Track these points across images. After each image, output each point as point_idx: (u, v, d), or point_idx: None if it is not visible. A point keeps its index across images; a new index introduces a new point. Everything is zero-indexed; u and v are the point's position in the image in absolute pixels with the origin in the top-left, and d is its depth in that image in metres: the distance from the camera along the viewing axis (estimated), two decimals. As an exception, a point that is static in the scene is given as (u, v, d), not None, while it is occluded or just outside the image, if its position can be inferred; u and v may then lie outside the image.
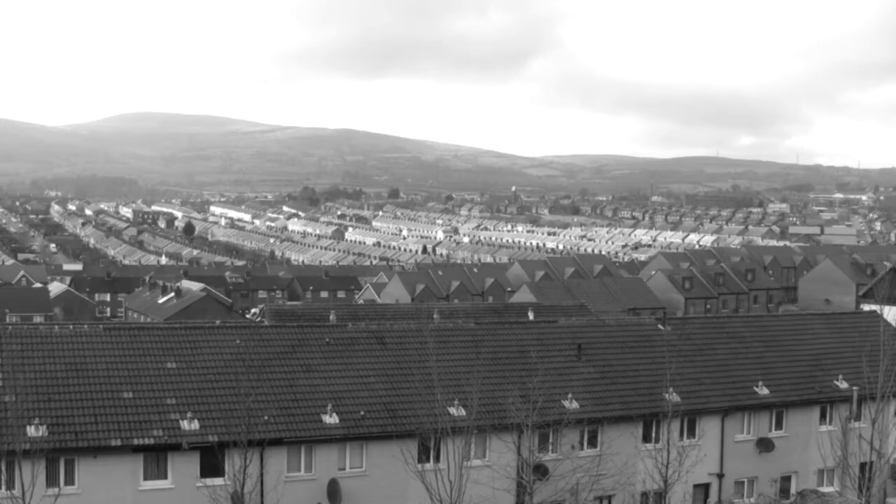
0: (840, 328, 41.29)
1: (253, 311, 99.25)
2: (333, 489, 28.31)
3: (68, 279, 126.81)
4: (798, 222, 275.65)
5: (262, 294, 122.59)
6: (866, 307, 53.21)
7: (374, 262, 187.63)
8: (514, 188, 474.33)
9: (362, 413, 29.22)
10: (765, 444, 34.75)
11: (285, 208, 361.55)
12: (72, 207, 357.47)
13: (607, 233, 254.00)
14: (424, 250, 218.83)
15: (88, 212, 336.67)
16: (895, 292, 44.89)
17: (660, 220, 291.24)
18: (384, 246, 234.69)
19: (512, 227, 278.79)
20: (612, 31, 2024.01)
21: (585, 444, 31.65)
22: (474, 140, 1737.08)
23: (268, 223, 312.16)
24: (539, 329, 36.71)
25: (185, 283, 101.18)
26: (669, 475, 28.11)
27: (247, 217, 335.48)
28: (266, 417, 27.58)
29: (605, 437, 31.68)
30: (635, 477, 31.22)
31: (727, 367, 36.01)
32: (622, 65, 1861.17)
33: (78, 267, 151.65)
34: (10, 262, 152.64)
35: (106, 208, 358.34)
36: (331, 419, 28.64)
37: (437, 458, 27.89)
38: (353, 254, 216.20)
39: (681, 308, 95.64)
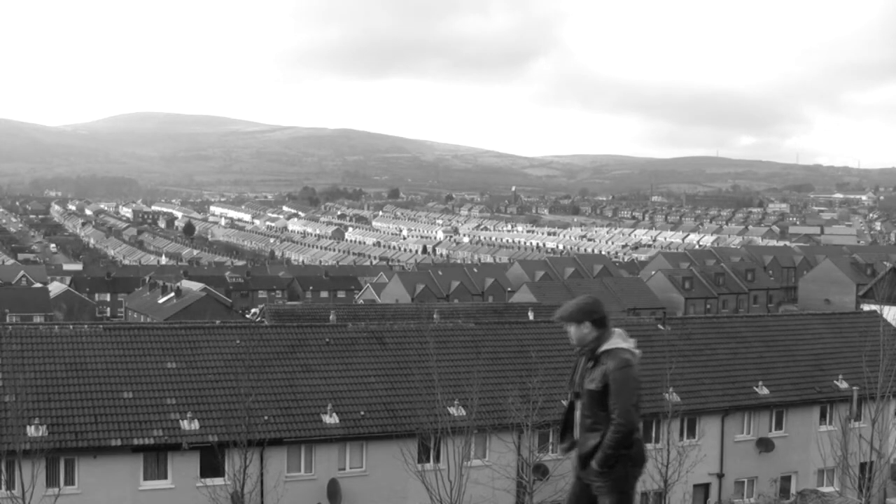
0: (840, 328, 41.31)
1: (253, 311, 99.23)
2: (333, 489, 28.32)
3: (68, 279, 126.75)
4: (798, 222, 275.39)
5: (262, 294, 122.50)
6: (866, 307, 53.21)
7: (374, 262, 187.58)
8: (514, 188, 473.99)
9: (362, 413, 29.24)
10: (765, 444, 34.77)
11: (285, 208, 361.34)
12: (72, 207, 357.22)
13: (607, 233, 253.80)
14: (424, 250, 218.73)
15: (88, 212, 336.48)
16: (895, 292, 44.88)
17: (660, 220, 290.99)
18: (384, 246, 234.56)
19: (512, 227, 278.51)
20: (613, 31, 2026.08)
21: (585, 444, 31.65)
22: (474, 140, 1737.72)
23: (268, 223, 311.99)
24: (539, 329, 36.74)
25: (185, 283, 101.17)
26: (669, 475, 28.12)
27: (247, 217, 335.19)
28: (266, 417, 27.60)
29: (605, 437, 31.67)
30: (635, 477, 31.19)
31: (727, 367, 36.04)
32: (622, 65, 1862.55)
33: (78, 267, 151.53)
34: (10, 262, 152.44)
35: (106, 208, 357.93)
36: (331, 419, 28.65)
37: (437, 458, 27.91)
38: (353, 254, 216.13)
39: (681, 308, 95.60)
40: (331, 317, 41.55)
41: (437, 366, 27.46)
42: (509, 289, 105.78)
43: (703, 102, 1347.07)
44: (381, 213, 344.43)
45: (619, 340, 7.06)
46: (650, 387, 32.76)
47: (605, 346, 7.02)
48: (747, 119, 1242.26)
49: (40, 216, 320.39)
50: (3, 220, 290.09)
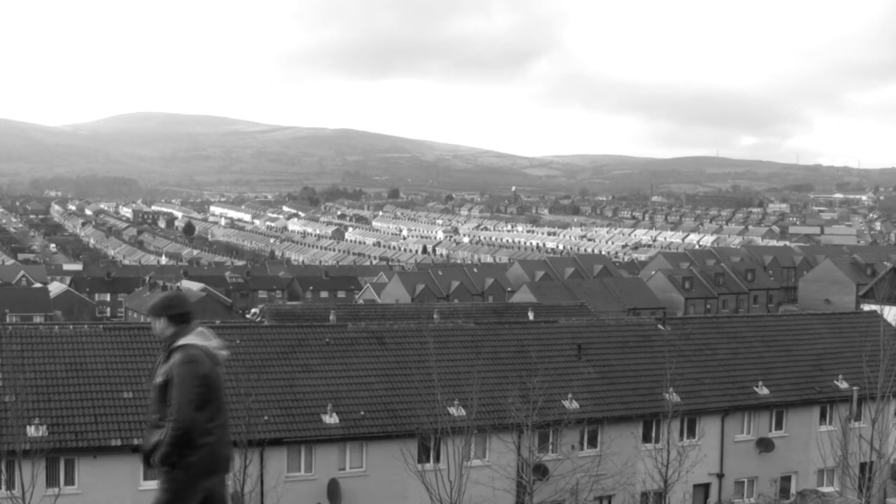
0: (840, 328, 41.33)
1: (253, 311, 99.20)
2: (333, 489, 28.32)
3: (68, 279, 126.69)
4: (798, 222, 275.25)
5: (262, 294, 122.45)
6: (866, 307, 53.22)
7: (374, 262, 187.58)
8: (514, 188, 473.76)
9: (362, 413, 29.23)
10: (765, 444, 34.77)
11: (285, 208, 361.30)
12: (72, 207, 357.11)
13: (607, 233, 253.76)
14: (424, 250, 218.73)
15: (88, 212, 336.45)
16: (895, 292, 44.88)
17: (660, 220, 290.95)
18: (384, 246, 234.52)
19: (512, 227, 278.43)
20: (614, 31, 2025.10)
21: (585, 444, 31.67)
22: (474, 140, 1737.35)
23: (268, 223, 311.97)
24: (539, 329, 36.74)
25: (185, 283, 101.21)
26: (669, 475, 28.11)
27: (247, 217, 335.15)
28: (266, 417, 27.59)
29: (605, 437, 31.70)
30: (635, 477, 31.23)
31: (727, 367, 36.04)
32: (623, 65, 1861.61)
33: (78, 267, 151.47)
34: (10, 262, 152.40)
35: (106, 208, 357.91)
36: (331, 419, 28.65)
37: (437, 458, 27.91)
38: (353, 254, 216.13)
39: (681, 308, 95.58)
40: (331, 317, 41.54)
41: (437, 366, 27.44)
42: (509, 289, 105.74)
43: (703, 102, 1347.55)
44: (381, 213, 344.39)
45: (195, 338, 6.96)
46: (650, 387, 32.78)
47: (178, 342, 6.97)
48: (747, 119, 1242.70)
49: (40, 216, 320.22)
50: (3, 220, 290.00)
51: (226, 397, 7.01)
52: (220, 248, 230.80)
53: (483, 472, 29.10)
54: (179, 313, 7.12)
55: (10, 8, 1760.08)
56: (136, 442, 26.33)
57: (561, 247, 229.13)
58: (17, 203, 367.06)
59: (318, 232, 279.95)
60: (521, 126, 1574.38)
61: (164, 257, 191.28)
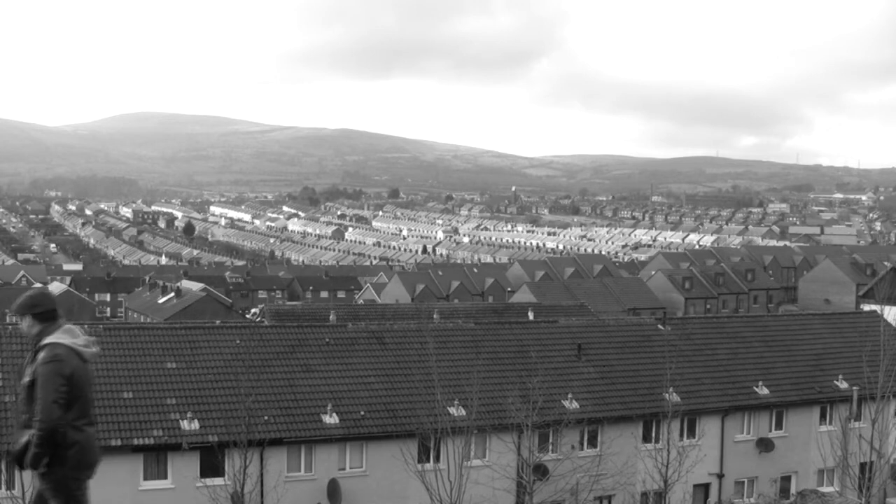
0: (840, 328, 41.32)
1: (253, 311, 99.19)
2: (333, 489, 28.32)
3: (68, 279, 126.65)
4: (798, 222, 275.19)
5: (262, 294, 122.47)
6: (866, 307, 53.22)
7: (374, 262, 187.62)
8: (514, 188, 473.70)
9: (362, 413, 29.23)
10: (765, 444, 34.77)
11: (285, 208, 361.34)
12: (72, 207, 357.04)
13: (607, 233, 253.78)
14: (424, 250, 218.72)
15: (88, 212, 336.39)
16: (895, 292, 44.87)
17: (660, 220, 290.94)
18: (384, 246, 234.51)
19: (512, 227, 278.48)
20: (615, 31, 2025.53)
21: (585, 444, 31.67)
22: (474, 140, 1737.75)
23: (268, 223, 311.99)
24: (539, 329, 36.73)
25: (185, 283, 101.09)
26: (669, 475, 28.10)
27: (247, 217, 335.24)
28: (266, 417, 27.59)
29: (605, 437, 31.69)
30: (635, 477, 31.22)
31: (727, 367, 36.04)
32: (623, 65, 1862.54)
33: (78, 267, 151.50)
34: (10, 262, 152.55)
35: (106, 208, 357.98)
36: (331, 419, 28.65)
37: (437, 458, 27.89)
38: (353, 254, 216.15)
39: (681, 308, 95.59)
40: (331, 317, 41.52)
41: (437, 366, 27.40)
42: (509, 289, 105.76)
43: (703, 102, 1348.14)
44: (381, 213, 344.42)
45: (61, 336, 6.88)
46: (650, 387, 32.76)
47: (44, 341, 6.88)
48: (747, 119, 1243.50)
49: (40, 216, 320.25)
50: (3, 220, 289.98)
51: (93, 394, 6.99)
52: (220, 248, 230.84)
53: (483, 472, 29.09)
54: (44, 311, 7.01)
55: (10, 8, 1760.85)
56: (136, 442, 26.36)
57: (561, 247, 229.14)
58: (17, 203, 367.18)
59: (318, 232, 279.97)
60: (521, 126, 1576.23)
61: (164, 257, 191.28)
